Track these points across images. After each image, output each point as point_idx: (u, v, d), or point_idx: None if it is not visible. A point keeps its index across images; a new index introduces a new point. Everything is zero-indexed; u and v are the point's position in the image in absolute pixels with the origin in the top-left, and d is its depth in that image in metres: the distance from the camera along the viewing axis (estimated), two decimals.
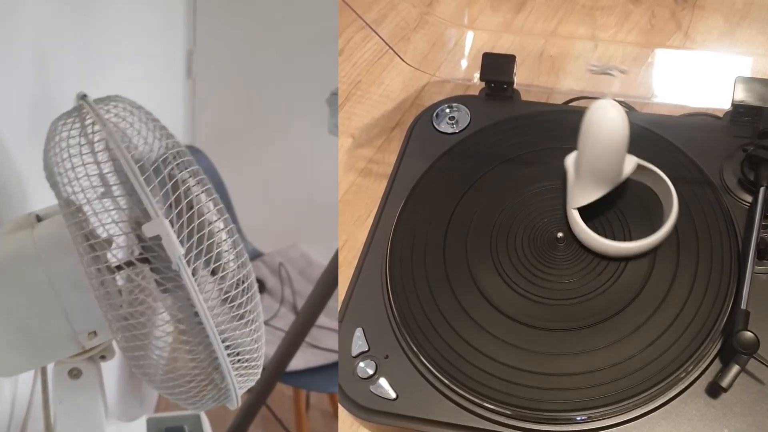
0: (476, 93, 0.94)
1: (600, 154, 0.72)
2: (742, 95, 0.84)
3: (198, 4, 1.53)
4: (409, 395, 0.68)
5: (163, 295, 0.51)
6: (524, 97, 0.93)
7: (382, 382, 0.69)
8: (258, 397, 0.88)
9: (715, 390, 0.64)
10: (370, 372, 0.70)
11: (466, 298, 0.74)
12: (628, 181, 0.76)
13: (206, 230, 0.51)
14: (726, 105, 0.85)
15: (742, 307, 0.67)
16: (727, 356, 0.65)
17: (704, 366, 0.66)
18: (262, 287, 1.18)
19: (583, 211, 0.75)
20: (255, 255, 1.25)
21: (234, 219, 1.21)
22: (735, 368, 0.63)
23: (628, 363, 0.67)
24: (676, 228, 0.75)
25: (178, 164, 0.52)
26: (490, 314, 0.72)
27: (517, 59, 0.91)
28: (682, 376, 0.65)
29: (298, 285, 1.18)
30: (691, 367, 0.66)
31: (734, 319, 0.66)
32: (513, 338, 0.70)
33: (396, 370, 0.70)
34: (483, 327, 0.71)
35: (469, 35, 1.05)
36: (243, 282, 0.55)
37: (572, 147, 0.84)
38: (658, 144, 0.83)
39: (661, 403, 0.65)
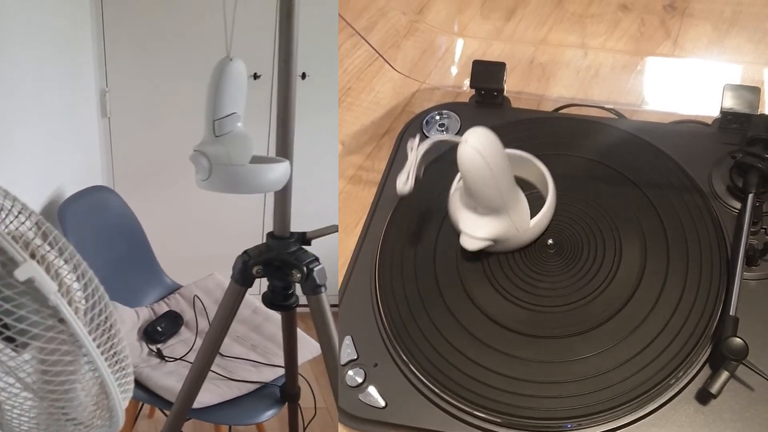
0: (466, 100, 0.94)
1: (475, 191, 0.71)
2: (730, 102, 0.84)
3: (107, 45, 1.58)
4: (399, 403, 0.68)
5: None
6: (514, 104, 0.93)
7: (371, 390, 0.69)
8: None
9: (704, 396, 0.64)
10: (359, 380, 0.69)
11: (455, 305, 0.73)
12: None
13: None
14: (715, 112, 0.85)
15: (731, 313, 0.67)
16: (716, 362, 0.65)
17: (694, 372, 0.66)
18: (180, 321, 1.16)
19: None
20: (174, 288, 1.23)
21: (150, 255, 1.22)
22: (724, 374, 0.63)
23: (618, 370, 0.67)
24: (665, 234, 0.75)
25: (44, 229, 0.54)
26: (481, 321, 0.72)
27: (507, 67, 0.91)
28: (671, 382, 0.65)
29: (213, 315, 1.16)
30: (681, 374, 0.65)
31: (723, 325, 0.66)
32: (503, 346, 0.70)
33: (385, 378, 0.70)
34: (473, 334, 0.71)
35: (460, 43, 1.05)
36: (95, 310, 0.57)
37: (562, 153, 0.85)
38: (648, 151, 0.83)
39: (651, 409, 0.65)
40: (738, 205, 0.77)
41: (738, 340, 0.64)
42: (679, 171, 0.81)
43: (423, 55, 1.03)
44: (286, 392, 1.00)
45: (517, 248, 0.76)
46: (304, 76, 1.65)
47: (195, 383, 0.86)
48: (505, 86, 0.91)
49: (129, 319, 1.12)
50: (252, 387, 1.02)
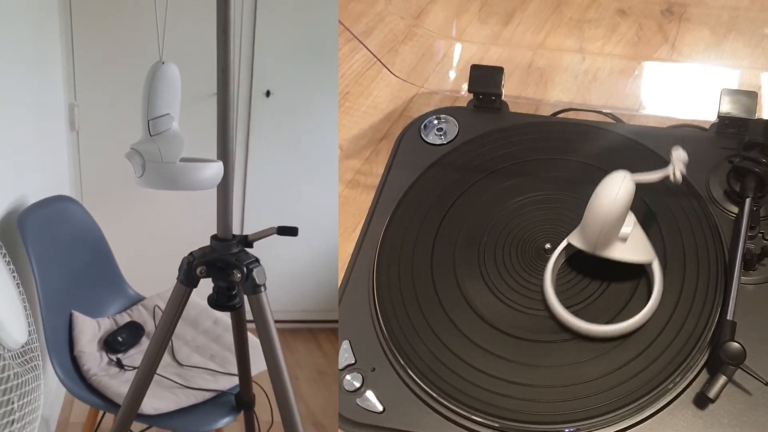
0: (464, 104, 0.94)
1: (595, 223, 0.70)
2: (728, 107, 0.84)
3: (76, 60, 1.59)
4: (397, 408, 0.68)
5: None
6: (512, 108, 0.94)
7: (369, 394, 0.69)
8: None
9: (702, 401, 0.64)
10: (357, 385, 0.69)
11: (453, 310, 0.73)
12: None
13: None
14: (712, 117, 0.86)
15: (729, 317, 0.67)
16: (714, 367, 0.65)
17: (692, 377, 0.66)
18: (141, 331, 1.17)
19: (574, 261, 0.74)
20: (137, 300, 1.23)
21: (114, 267, 1.22)
22: (722, 379, 0.63)
23: (615, 374, 0.67)
24: (663, 238, 0.75)
25: None
26: (478, 325, 0.72)
27: (506, 71, 0.92)
28: (669, 387, 0.65)
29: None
30: (679, 378, 0.65)
31: (721, 329, 0.66)
32: (501, 350, 0.70)
33: (383, 383, 0.69)
34: (470, 339, 0.71)
35: (458, 47, 1.06)
36: None
37: (560, 158, 0.85)
38: (646, 155, 0.84)
39: (648, 414, 0.64)
40: (735, 209, 0.77)
41: (735, 344, 0.64)
42: None
43: (421, 59, 1.03)
44: (241, 400, 1.02)
45: None
46: (268, 93, 1.70)
47: (142, 383, 0.87)
48: (503, 90, 0.91)
49: (89, 330, 1.10)
50: (208, 395, 1.03)
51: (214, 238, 0.82)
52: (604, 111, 0.93)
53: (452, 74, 1.03)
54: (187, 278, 0.81)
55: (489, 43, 1.08)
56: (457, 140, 0.89)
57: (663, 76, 1.01)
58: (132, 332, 1.16)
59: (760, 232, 0.74)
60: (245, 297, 0.82)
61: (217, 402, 1.02)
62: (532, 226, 0.79)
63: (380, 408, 0.68)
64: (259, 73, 1.68)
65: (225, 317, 1.18)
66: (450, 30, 1.08)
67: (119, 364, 1.08)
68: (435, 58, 1.05)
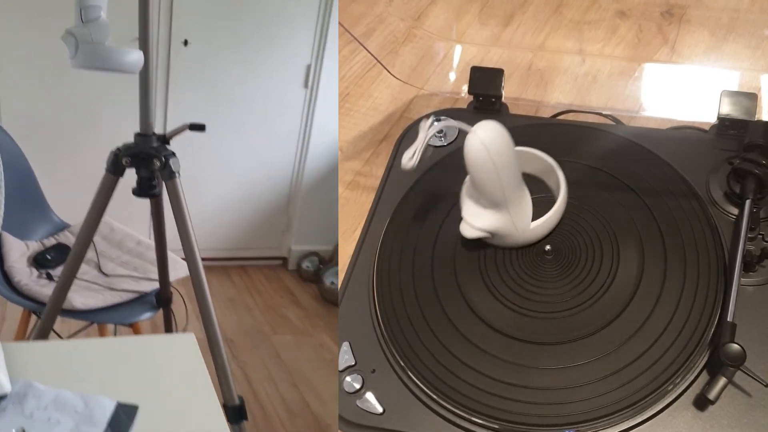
0: (464, 106, 0.94)
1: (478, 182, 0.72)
2: (727, 109, 0.84)
3: None
4: (397, 410, 0.68)
5: None
6: (512, 110, 0.94)
7: (369, 396, 0.69)
8: (44, 326, 1.03)
9: (702, 402, 0.64)
10: (357, 386, 0.69)
11: (453, 312, 0.73)
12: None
13: None
14: (712, 118, 0.86)
15: (729, 319, 0.67)
16: (714, 368, 0.65)
17: (692, 378, 0.66)
18: (69, 251, 1.27)
19: None
20: (63, 227, 1.35)
21: (39, 193, 1.33)
22: (722, 380, 0.63)
23: (615, 376, 0.67)
24: (663, 240, 0.75)
25: None
26: (478, 327, 0.72)
27: (506, 73, 0.92)
28: (669, 388, 0.65)
29: (101, 247, 1.32)
30: (679, 380, 0.65)
31: (721, 331, 0.66)
32: (501, 352, 0.70)
33: (383, 384, 0.69)
34: (470, 340, 0.71)
35: (458, 49, 1.06)
36: None
37: (560, 160, 0.85)
38: (645, 157, 0.84)
39: (648, 415, 0.64)
40: (735, 211, 0.77)
41: (735, 346, 0.64)
42: (677, 177, 0.81)
43: (421, 61, 1.04)
44: (160, 298, 1.19)
45: (516, 246, 0.77)
46: (186, 43, 1.82)
47: (71, 269, 1.00)
48: (503, 92, 0.91)
49: (18, 249, 1.20)
50: (132, 296, 1.18)
51: (137, 135, 0.95)
52: (604, 113, 0.93)
53: (452, 76, 1.04)
54: (114, 167, 0.95)
55: (489, 44, 1.08)
56: (457, 142, 0.89)
57: (663, 78, 1.01)
58: (60, 252, 1.24)
59: (760, 234, 0.75)
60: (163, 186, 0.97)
61: (140, 301, 1.19)
62: None
63: (380, 409, 0.68)
64: (177, 23, 1.79)
65: (147, 240, 1.34)
66: (450, 32, 1.08)
67: (49, 277, 1.18)
68: (435, 60, 1.05)
